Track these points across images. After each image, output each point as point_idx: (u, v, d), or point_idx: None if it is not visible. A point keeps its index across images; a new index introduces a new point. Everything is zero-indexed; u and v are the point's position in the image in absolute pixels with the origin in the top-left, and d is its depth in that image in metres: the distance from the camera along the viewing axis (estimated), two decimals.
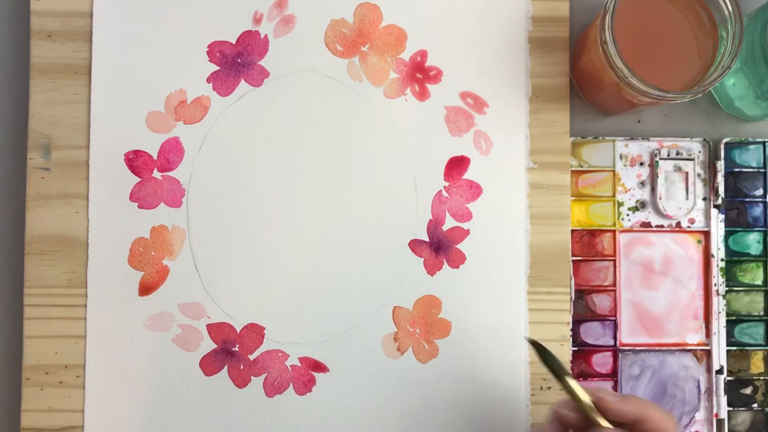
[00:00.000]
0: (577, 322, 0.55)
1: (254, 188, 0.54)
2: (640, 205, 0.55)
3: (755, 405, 0.55)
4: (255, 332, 0.53)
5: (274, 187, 0.54)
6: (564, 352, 0.53)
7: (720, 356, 0.55)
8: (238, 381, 0.53)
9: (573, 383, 0.43)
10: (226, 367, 0.53)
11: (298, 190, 0.54)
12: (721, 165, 0.55)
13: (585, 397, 0.42)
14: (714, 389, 0.54)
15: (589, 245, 0.55)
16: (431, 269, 0.54)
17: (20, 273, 0.54)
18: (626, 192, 0.55)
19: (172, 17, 0.54)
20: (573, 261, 0.55)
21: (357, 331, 0.53)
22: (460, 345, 0.53)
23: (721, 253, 0.55)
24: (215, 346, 0.53)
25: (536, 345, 0.45)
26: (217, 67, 0.54)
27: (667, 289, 0.55)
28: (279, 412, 0.53)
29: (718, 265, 0.55)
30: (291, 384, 0.53)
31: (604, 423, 0.42)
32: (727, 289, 0.55)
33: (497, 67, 0.54)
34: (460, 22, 0.54)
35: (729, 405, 0.55)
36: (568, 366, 0.51)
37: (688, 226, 0.55)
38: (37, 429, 0.53)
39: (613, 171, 0.55)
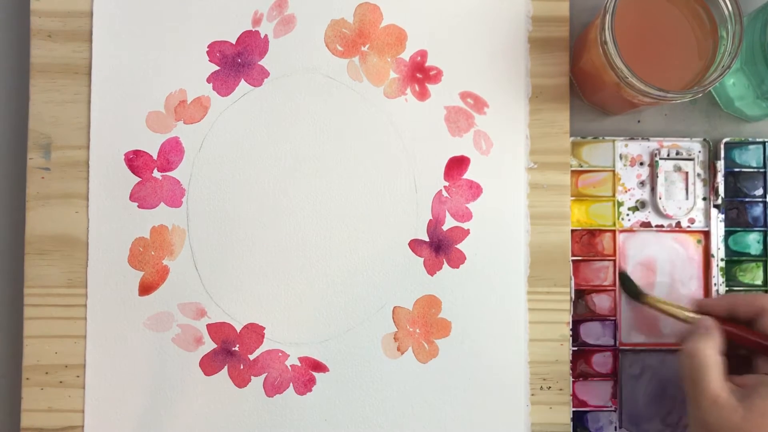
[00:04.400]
0: (577, 322, 0.55)
1: (254, 188, 0.54)
2: (640, 205, 0.55)
3: None
4: (255, 332, 0.53)
5: (274, 187, 0.54)
6: (564, 352, 0.54)
7: None
8: (238, 381, 0.53)
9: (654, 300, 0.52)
10: (226, 367, 0.53)
11: (298, 190, 0.54)
12: (721, 165, 0.55)
13: (673, 307, 0.51)
14: None
15: (589, 245, 0.55)
16: (431, 269, 0.54)
17: (20, 273, 0.54)
18: (626, 192, 0.55)
19: (172, 17, 0.54)
20: (573, 261, 0.55)
21: (357, 331, 0.53)
22: (460, 345, 0.53)
23: (721, 253, 0.55)
24: (215, 346, 0.53)
25: (621, 274, 0.54)
26: (217, 67, 0.54)
27: (667, 289, 0.55)
28: (279, 412, 0.53)
29: (718, 265, 0.55)
30: (291, 384, 0.53)
31: (689, 315, 0.50)
32: (727, 289, 0.55)
33: (497, 67, 0.54)
34: (460, 23, 0.54)
35: None
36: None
37: (688, 226, 0.55)
38: (37, 429, 0.53)
39: (613, 171, 0.55)
